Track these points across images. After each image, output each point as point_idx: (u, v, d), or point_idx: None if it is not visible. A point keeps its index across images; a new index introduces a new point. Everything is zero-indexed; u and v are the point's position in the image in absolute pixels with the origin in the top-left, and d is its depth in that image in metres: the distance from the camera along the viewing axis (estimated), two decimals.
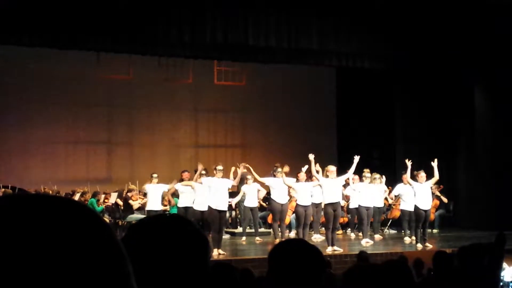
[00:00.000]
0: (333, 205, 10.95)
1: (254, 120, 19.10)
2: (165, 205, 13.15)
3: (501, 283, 7.72)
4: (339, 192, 11.19)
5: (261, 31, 13.32)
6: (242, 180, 13.27)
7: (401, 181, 13.20)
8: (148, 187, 12.34)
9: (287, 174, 12.43)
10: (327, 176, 11.13)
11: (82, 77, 16.94)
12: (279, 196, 12.15)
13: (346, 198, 13.47)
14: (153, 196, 12.24)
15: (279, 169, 12.28)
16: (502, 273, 8.08)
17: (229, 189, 11.21)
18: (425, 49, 14.45)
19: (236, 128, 19.35)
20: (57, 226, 0.72)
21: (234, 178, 11.85)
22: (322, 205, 11.81)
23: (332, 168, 11.20)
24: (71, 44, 12.74)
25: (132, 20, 12.25)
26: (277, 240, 12.00)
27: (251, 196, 12.88)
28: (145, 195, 13.03)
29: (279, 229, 12.41)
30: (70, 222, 0.73)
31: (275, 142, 18.86)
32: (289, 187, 12.11)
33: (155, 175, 12.43)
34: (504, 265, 8.61)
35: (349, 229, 14.70)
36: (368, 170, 12.76)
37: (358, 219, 12.98)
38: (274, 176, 12.32)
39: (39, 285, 0.68)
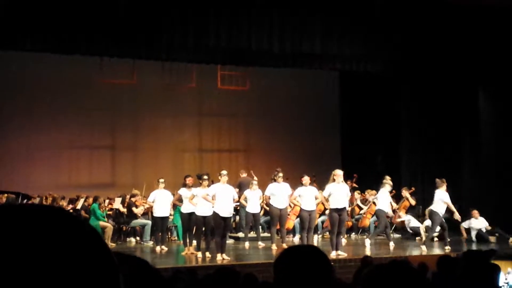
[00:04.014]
0: (339, 210, 10.88)
1: (258, 125, 19.10)
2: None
3: (508, 286, 7.70)
4: (345, 198, 11.11)
5: (264, 36, 13.33)
6: (246, 185, 13.29)
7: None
8: (155, 193, 12.34)
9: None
10: (334, 180, 10.99)
11: (85, 82, 16.98)
12: (278, 202, 12.15)
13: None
14: (160, 202, 12.25)
15: (280, 174, 12.27)
16: (507, 277, 8.06)
17: (234, 199, 11.18)
18: (428, 53, 14.44)
19: (240, 133, 19.36)
20: (42, 235, 0.71)
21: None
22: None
23: (339, 172, 11.01)
24: (74, 49, 12.77)
25: (135, 25, 12.28)
26: (274, 245, 12.01)
27: (254, 201, 12.88)
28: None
29: (279, 234, 12.40)
30: (55, 230, 0.72)
31: (278, 146, 18.86)
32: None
33: (161, 180, 12.42)
34: (509, 269, 8.59)
35: (353, 233, 14.72)
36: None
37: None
38: (275, 180, 12.30)
39: None
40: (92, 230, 0.76)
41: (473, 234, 13.49)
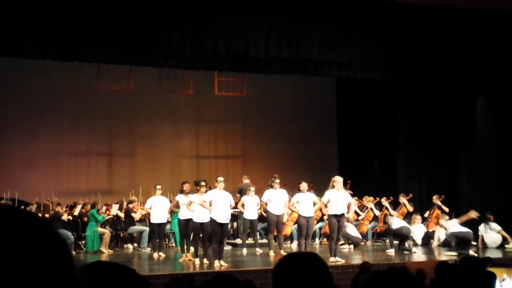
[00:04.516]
0: (338, 217, 10.85)
1: (255, 131, 19.12)
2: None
3: None
4: (344, 204, 11.06)
5: (262, 42, 13.32)
6: (244, 191, 13.27)
7: None
8: (152, 200, 12.33)
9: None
10: (333, 187, 10.97)
11: (83, 89, 16.99)
12: (276, 208, 12.14)
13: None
14: (158, 208, 12.24)
15: (277, 180, 12.26)
16: (502, 284, 8.07)
17: (231, 205, 11.13)
18: (425, 58, 14.45)
19: (237, 139, 19.37)
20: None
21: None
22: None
23: (338, 179, 10.96)
24: (72, 55, 12.76)
25: (132, 31, 12.27)
26: (271, 252, 12.00)
27: (251, 208, 12.86)
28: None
29: (277, 240, 12.38)
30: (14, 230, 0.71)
31: (276, 152, 18.87)
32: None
33: (158, 187, 12.44)
34: (505, 276, 8.60)
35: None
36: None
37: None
38: (272, 186, 12.29)
39: None
40: (51, 231, 0.75)
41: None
